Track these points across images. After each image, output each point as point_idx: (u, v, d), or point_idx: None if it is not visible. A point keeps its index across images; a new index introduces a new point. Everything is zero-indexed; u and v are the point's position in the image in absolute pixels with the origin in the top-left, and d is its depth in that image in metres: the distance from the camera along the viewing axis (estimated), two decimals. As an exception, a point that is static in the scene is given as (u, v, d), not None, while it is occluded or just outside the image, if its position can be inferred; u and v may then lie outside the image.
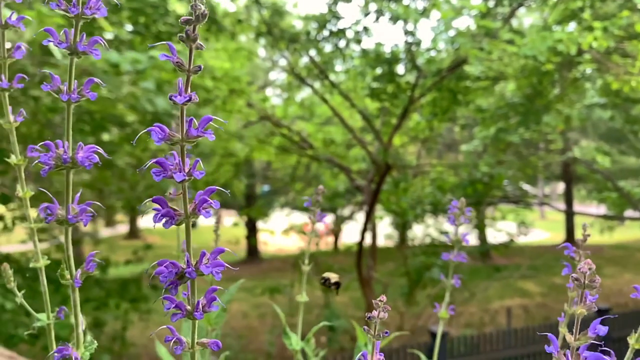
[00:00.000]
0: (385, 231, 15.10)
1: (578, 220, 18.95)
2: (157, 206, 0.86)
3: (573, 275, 0.99)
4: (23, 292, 1.38)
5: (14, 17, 1.29)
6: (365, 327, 1.15)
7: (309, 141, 9.22)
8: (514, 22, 8.69)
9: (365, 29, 7.69)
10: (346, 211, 17.89)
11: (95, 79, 1.17)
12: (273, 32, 7.88)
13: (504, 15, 7.49)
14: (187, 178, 0.83)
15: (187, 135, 0.85)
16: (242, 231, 20.18)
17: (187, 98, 0.83)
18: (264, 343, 9.93)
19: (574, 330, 0.99)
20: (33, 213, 1.31)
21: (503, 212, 12.50)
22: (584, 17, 5.76)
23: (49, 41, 1.12)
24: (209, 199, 0.86)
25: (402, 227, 13.06)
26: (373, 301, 1.12)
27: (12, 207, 6.97)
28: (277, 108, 9.71)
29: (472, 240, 13.30)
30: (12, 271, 1.44)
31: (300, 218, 15.80)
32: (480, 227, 12.56)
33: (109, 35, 5.71)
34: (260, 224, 18.83)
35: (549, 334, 1.05)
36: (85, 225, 1.19)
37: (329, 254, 17.02)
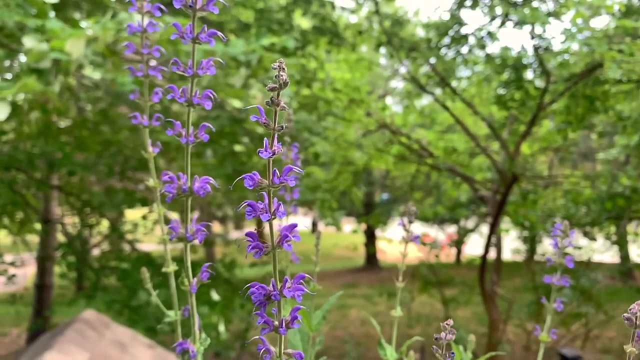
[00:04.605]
0: (512, 245, 14.33)
1: None
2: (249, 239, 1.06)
3: (624, 315, 1.02)
4: (157, 291, 1.62)
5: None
6: (434, 347, 1.21)
7: (428, 149, 9.05)
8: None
9: (490, 34, 7.39)
10: (469, 223, 17.25)
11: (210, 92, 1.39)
12: (393, 41, 7.87)
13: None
14: (271, 218, 1.03)
15: (272, 182, 1.02)
16: (360, 238, 20.30)
17: (272, 153, 1.00)
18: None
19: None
20: (165, 228, 1.58)
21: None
22: None
23: (176, 35, 1.35)
24: (290, 235, 1.04)
25: (531, 241, 12.27)
26: (441, 324, 1.18)
27: (151, 210, 7.68)
28: (396, 116, 9.67)
29: (612, 258, 12.14)
30: (150, 271, 1.68)
31: (419, 228, 15.53)
32: (622, 244, 11.39)
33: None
34: (378, 233, 18.81)
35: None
36: (200, 243, 1.48)
37: (451, 266, 16.50)
